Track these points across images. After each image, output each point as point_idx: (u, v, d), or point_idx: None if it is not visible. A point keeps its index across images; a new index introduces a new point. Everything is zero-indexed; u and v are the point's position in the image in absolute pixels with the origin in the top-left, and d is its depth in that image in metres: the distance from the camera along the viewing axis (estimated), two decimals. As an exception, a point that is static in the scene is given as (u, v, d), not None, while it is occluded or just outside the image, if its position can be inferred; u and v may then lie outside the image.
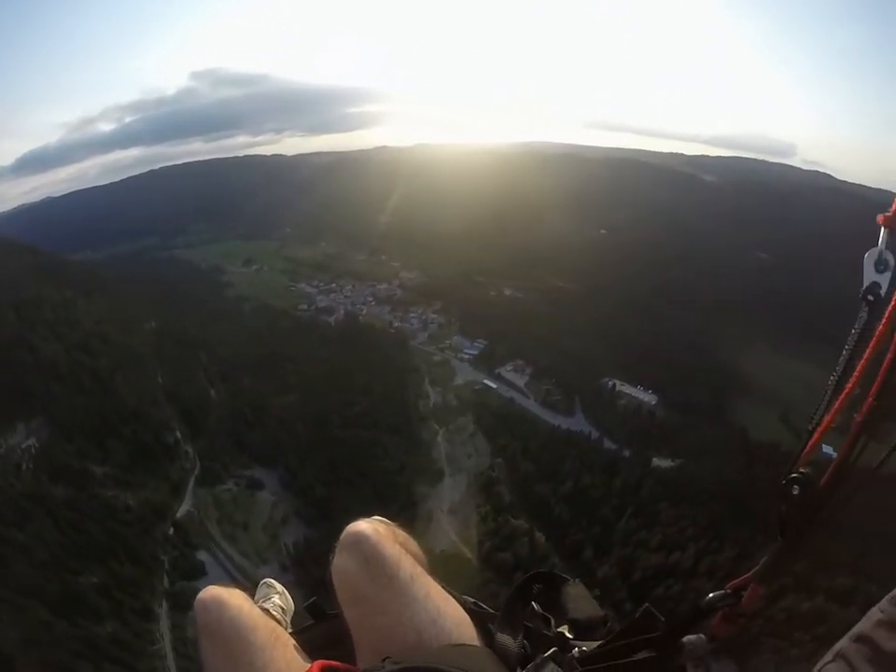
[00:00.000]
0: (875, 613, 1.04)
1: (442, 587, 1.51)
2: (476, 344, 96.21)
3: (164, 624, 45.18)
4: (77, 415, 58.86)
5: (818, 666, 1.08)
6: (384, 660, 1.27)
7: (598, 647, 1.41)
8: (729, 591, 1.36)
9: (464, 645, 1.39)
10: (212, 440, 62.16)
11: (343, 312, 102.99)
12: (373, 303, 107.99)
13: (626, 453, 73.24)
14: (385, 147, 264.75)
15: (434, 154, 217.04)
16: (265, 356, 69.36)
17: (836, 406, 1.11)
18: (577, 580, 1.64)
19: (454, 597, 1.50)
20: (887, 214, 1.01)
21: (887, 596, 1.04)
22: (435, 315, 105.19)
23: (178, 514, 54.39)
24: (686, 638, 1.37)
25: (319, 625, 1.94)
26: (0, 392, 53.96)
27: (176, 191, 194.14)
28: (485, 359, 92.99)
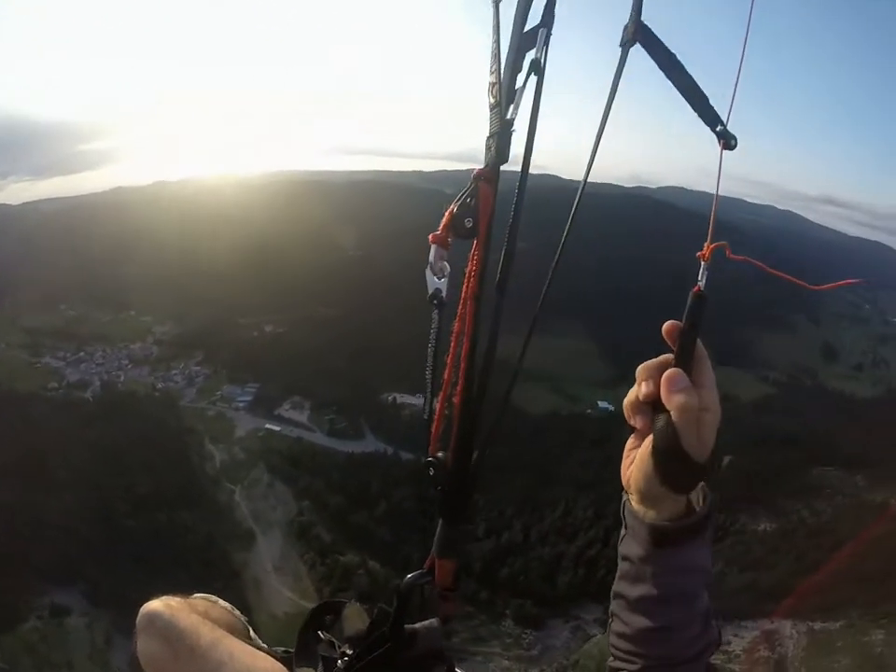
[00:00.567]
0: (618, 571, 1.22)
1: (249, 643, 1.52)
2: (248, 389, 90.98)
3: None
4: None
5: (609, 628, 1.28)
6: None
7: (350, 655, 1.53)
8: (425, 569, 1.47)
9: None
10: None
11: (98, 383, 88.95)
12: (130, 367, 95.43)
13: (424, 458, 76.66)
14: (120, 187, 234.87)
15: (175, 192, 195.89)
16: (22, 455, 56.30)
17: (441, 397, 1.27)
18: (353, 601, 1.72)
19: (263, 650, 1.52)
20: (435, 233, 1.20)
21: (619, 551, 1.22)
22: (199, 368, 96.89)
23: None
24: (419, 625, 1.49)
25: None
26: None
27: None
28: (262, 403, 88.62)
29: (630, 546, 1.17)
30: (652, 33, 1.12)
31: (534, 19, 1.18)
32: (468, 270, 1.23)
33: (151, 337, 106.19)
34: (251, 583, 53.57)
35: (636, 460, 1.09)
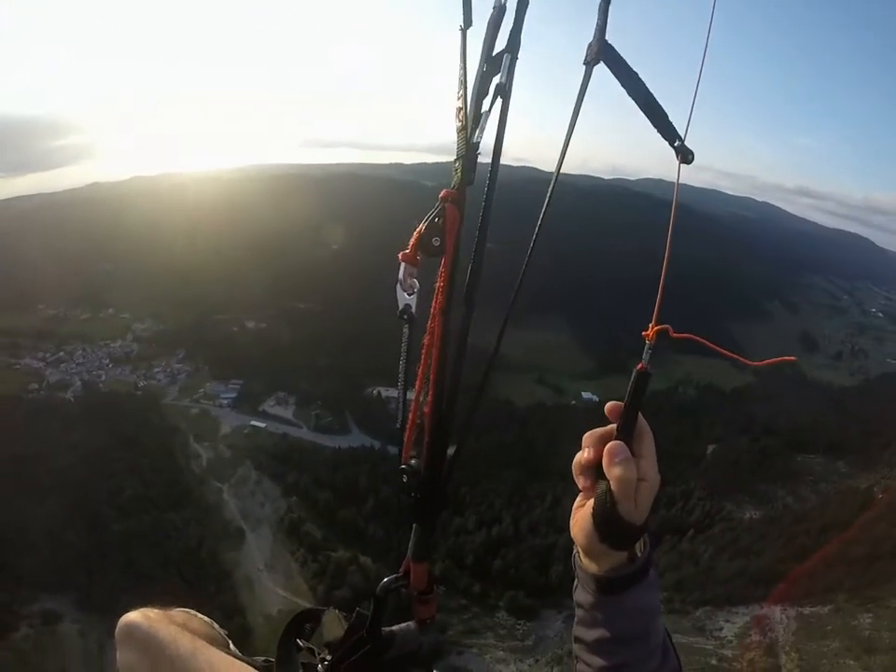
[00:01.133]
0: (575, 617, 1.31)
1: (229, 653, 1.54)
2: (232, 386, 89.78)
3: None
4: None
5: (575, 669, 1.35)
6: None
7: (330, 660, 1.57)
8: (400, 573, 1.55)
9: None
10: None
11: (79, 383, 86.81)
12: (111, 366, 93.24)
13: (412, 452, 76.51)
14: (96, 183, 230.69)
15: (153, 187, 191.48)
16: (2, 460, 54.75)
17: (413, 406, 1.37)
18: (331, 608, 1.77)
19: (242, 660, 1.54)
20: (405, 251, 1.26)
21: (574, 598, 1.31)
22: (181, 365, 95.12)
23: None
24: (396, 627, 1.55)
25: None
26: None
27: None
28: (246, 400, 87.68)
29: (581, 594, 1.26)
30: (616, 52, 1.16)
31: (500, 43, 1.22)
32: (436, 286, 1.30)
33: (131, 335, 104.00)
34: (243, 583, 52.88)
35: (580, 520, 1.18)
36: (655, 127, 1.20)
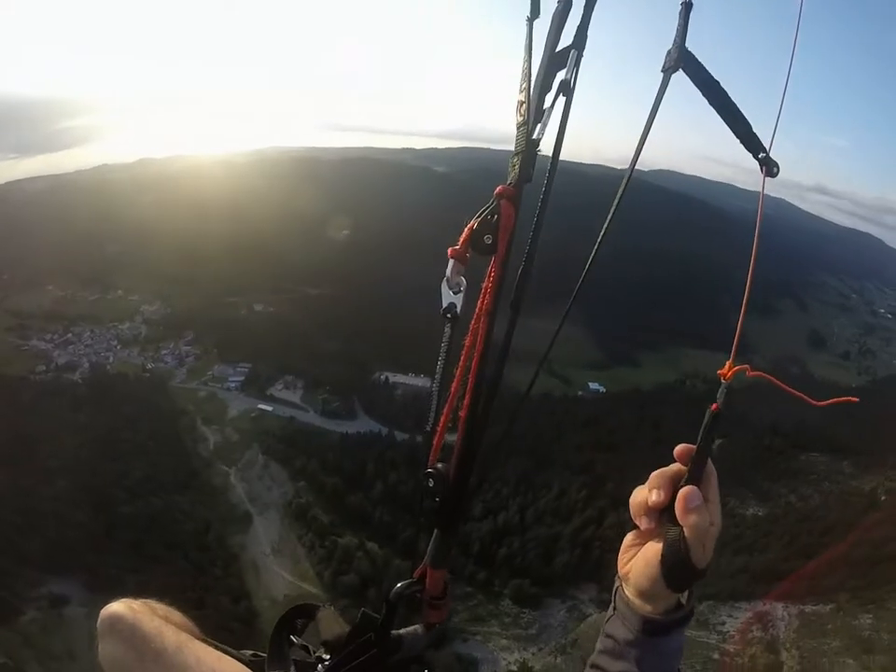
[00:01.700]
0: (598, 644, 1.31)
1: (216, 646, 1.51)
2: (240, 370, 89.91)
3: None
4: None
5: None
6: None
7: (330, 660, 1.58)
8: (415, 578, 1.53)
9: None
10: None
11: (87, 365, 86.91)
12: (119, 348, 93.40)
13: (419, 439, 76.68)
14: (105, 165, 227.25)
15: (162, 169, 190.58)
16: (10, 441, 54.86)
17: (446, 409, 1.32)
18: (327, 604, 1.76)
19: (229, 654, 1.52)
20: (454, 247, 1.21)
21: (602, 629, 1.30)
22: (189, 348, 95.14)
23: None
24: (404, 631, 1.54)
25: None
26: None
27: None
28: (254, 383, 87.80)
29: (617, 628, 1.24)
30: (696, 59, 1.14)
31: (566, 39, 1.18)
32: (483, 286, 1.25)
33: (140, 317, 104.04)
34: (249, 567, 53.46)
35: (640, 562, 1.16)
36: (738, 137, 1.18)
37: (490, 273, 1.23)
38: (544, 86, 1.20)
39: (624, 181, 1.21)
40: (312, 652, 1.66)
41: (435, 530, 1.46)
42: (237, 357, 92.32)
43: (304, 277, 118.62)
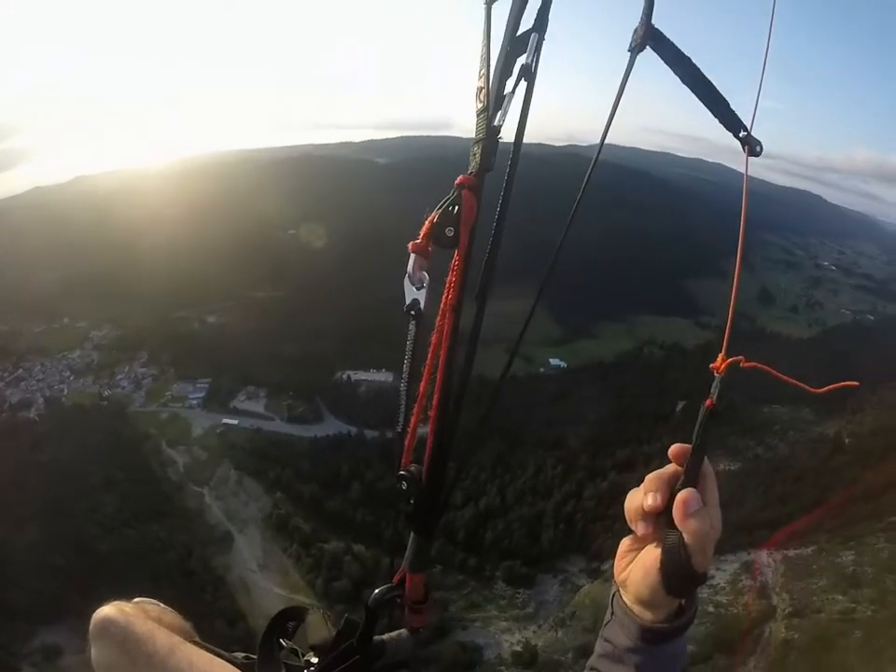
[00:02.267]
0: (597, 647, 1.29)
1: (208, 649, 1.48)
2: (200, 386, 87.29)
3: None
4: None
5: None
6: None
7: (316, 665, 1.56)
8: (394, 583, 1.50)
9: None
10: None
11: (42, 400, 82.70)
12: (72, 378, 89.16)
13: (389, 434, 76.48)
14: (38, 187, 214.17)
15: (97, 186, 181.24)
16: None
17: (416, 409, 1.28)
18: (316, 607, 1.77)
19: (221, 657, 1.50)
20: (415, 241, 1.17)
21: (601, 633, 1.28)
22: (144, 369, 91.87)
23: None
24: (387, 636, 1.53)
25: None
26: None
27: None
28: (215, 398, 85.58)
29: (616, 634, 1.21)
30: (664, 37, 1.09)
31: (527, 23, 1.14)
32: (447, 280, 1.21)
33: (89, 343, 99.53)
34: (238, 586, 52.16)
35: (638, 570, 1.13)
36: (715, 116, 1.13)
37: (454, 266, 1.19)
38: (504, 71, 1.14)
39: (591, 165, 1.21)
40: (301, 656, 1.64)
41: (412, 534, 1.43)
42: (195, 373, 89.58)
43: (253, 282, 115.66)
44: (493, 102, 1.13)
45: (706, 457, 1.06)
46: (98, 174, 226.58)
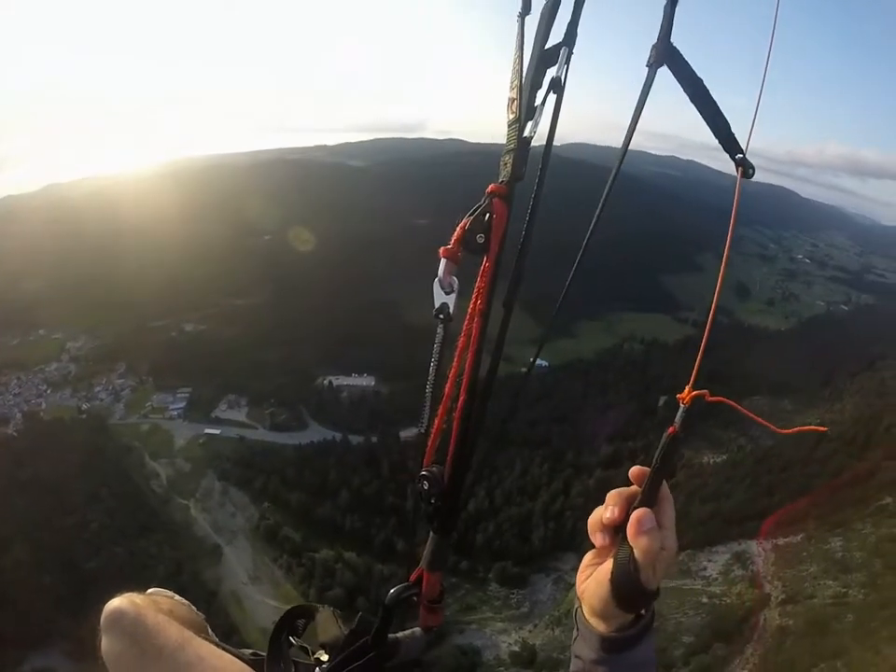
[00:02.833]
0: (571, 665, 1.32)
1: (218, 644, 1.52)
2: (180, 395, 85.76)
3: None
4: None
5: None
6: None
7: (328, 663, 1.57)
8: (410, 582, 1.54)
9: None
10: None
11: (20, 415, 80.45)
12: (50, 392, 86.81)
13: (374, 438, 76.10)
14: (9, 196, 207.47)
15: (68, 194, 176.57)
16: None
17: (441, 410, 1.32)
18: (325, 606, 1.76)
19: (230, 653, 1.51)
20: (447, 247, 1.20)
21: (571, 650, 1.32)
22: (122, 380, 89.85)
23: None
24: (401, 634, 1.56)
25: None
26: None
27: None
28: (196, 407, 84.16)
29: (582, 648, 1.25)
30: (681, 56, 1.13)
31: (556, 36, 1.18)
32: (476, 286, 1.25)
33: (66, 355, 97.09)
34: (230, 600, 51.30)
35: (592, 582, 1.18)
36: (716, 137, 1.19)
37: (483, 272, 1.23)
38: (534, 83, 1.18)
39: (611, 178, 1.20)
40: (311, 654, 1.66)
41: (431, 533, 1.47)
42: (175, 383, 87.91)
43: (230, 289, 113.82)
44: (524, 113, 1.15)
45: (664, 482, 1.11)
46: (69, 181, 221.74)
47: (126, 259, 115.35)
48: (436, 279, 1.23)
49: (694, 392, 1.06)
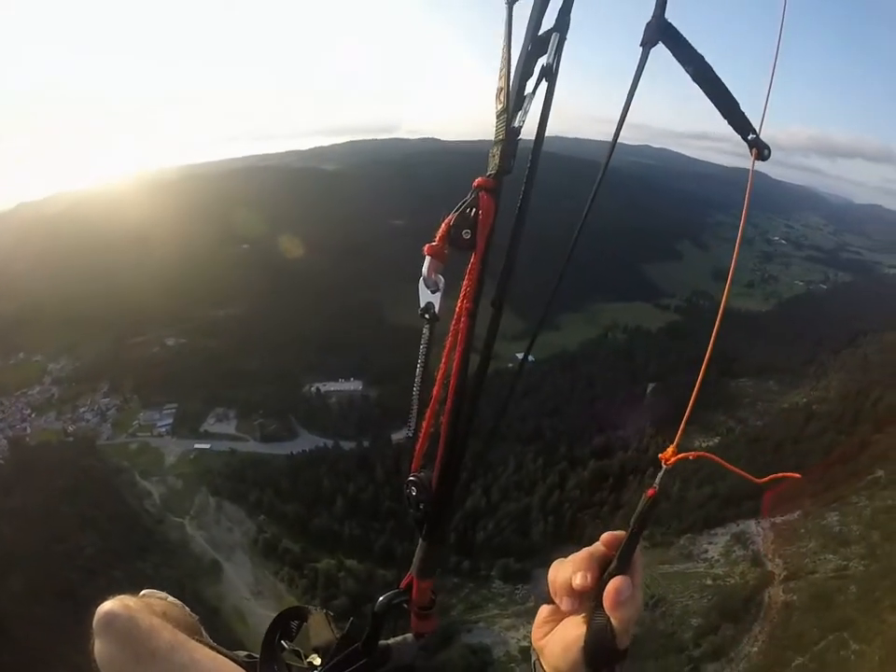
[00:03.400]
0: None
1: (211, 646, 1.52)
2: (167, 412, 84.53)
3: None
4: None
5: None
6: None
7: (320, 668, 1.57)
8: (401, 588, 1.51)
9: None
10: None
11: (5, 441, 78.47)
12: (34, 416, 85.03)
13: (366, 443, 75.80)
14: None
15: (40, 211, 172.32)
16: None
17: (428, 413, 1.27)
18: (318, 608, 1.76)
19: (224, 654, 1.52)
20: (432, 244, 1.16)
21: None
22: (107, 400, 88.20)
23: None
24: (392, 641, 1.55)
25: None
26: None
27: None
28: (184, 423, 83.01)
29: None
30: (677, 32, 1.07)
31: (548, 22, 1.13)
32: (464, 284, 1.21)
33: (48, 377, 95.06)
34: (234, 616, 50.57)
35: (557, 644, 1.11)
36: (725, 117, 1.11)
37: (470, 270, 1.18)
38: (525, 72, 1.12)
39: (604, 166, 1.18)
40: (303, 657, 1.65)
41: (420, 540, 1.43)
42: (160, 400, 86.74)
43: (210, 300, 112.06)
44: (513, 103, 1.10)
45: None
46: (41, 198, 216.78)
47: (100, 275, 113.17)
48: (421, 278, 1.19)
49: (680, 455, 1.00)
